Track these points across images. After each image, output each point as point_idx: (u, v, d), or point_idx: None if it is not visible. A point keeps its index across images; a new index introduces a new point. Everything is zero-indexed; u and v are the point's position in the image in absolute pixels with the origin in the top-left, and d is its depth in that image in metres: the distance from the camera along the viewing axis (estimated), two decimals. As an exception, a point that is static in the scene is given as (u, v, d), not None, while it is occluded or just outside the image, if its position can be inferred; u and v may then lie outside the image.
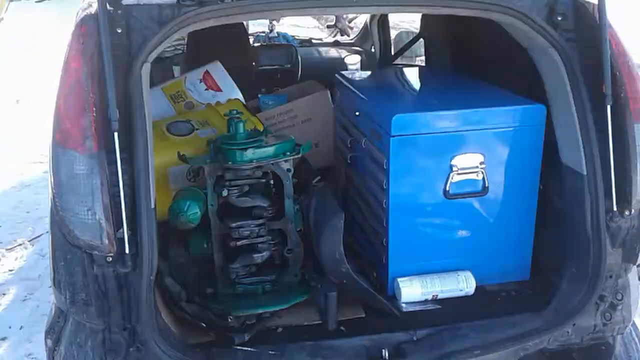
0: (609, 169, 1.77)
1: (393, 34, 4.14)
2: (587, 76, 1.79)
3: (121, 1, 1.58)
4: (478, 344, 1.81)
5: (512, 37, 1.95)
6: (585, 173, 1.81)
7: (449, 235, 2.08)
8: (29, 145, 5.28)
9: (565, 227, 1.94)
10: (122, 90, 1.56)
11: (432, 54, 3.21)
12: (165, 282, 1.92)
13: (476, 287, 2.05)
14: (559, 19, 1.80)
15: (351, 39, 4.77)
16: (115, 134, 1.51)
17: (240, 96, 2.69)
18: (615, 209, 1.79)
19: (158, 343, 1.64)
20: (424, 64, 3.52)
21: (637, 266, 1.90)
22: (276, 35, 4.33)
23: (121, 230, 1.54)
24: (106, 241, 1.55)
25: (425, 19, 3.22)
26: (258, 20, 4.35)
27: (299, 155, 2.06)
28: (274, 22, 4.35)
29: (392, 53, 3.96)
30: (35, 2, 12.35)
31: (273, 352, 1.77)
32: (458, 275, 2.05)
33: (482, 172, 2.01)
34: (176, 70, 3.69)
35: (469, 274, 2.06)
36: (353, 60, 3.97)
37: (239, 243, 2.00)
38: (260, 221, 2.01)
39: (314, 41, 4.70)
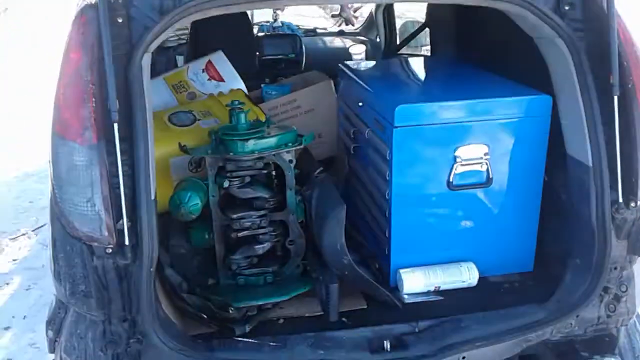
0: (615, 161, 1.74)
1: (398, 23, 4.10)
2: (594, 66, 1.77)
3: None
4: (480, 335, 1.80)
5: (519, 27, 1.92)
6: (591, 164, 1.78)
7: (452, 227, 2.06)
8: (33, 133, 5.29)
9: (570, 218, 1.92)
10: (122, 80, 1.54)
11: (437, 43, 3.18)
12: (166, 273, 1.91)
13: (479, 278, 2.04)
14: (567, 8, 1.76)
15: (356, 29, 4.73)
16: (115, 125, 1.50)
17: (242, 86, 2.68)
18: (621, 200, 1.76)
19: (158, 334, 1.64)
20: (429, 54, 3.49)
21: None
22: (280, 24, 4.30)
23: (121, 221, 1.54)
24: (106, 233, 1.54)
25: (430, 8, 3.19)
26: (262, 10, 4.31)
27: (301, 146, 2.04)
28: (278, 12, 4.31)
29: (398, 43, 3.93)
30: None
31: (274, 344, 1.76)
32: (461, 266, 2.04)
33: (487, 163, 1.99)
34: (180, 60, 3.67)
35: (472, 265, 2.05)
36: (358, 50, 3.92)
37: (240, 234, 1.99)
38: (262, 212, 2.00)
39: (318, 31, 4.66)
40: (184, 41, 3.73)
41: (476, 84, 2.28)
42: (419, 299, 1.99)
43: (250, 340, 1.78)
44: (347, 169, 2.44)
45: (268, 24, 4.32)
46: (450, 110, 1.96)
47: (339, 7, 5.25)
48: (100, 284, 1.59)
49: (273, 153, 1.97)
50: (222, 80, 2.67)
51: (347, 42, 4.15)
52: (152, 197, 1.60)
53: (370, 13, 4.43)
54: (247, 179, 1.99)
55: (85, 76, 1.52)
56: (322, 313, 1.92)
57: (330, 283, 1.85)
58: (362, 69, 2.61)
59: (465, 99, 1.99)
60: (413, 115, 1.95)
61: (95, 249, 1.57)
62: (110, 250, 1.56)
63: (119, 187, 1.53)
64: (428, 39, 3.51)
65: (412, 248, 2.05)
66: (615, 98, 1.72)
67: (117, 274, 1.59)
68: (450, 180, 1.99)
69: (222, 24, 2.82)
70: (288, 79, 3.20)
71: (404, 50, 3.84)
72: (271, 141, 1.97)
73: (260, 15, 4.52)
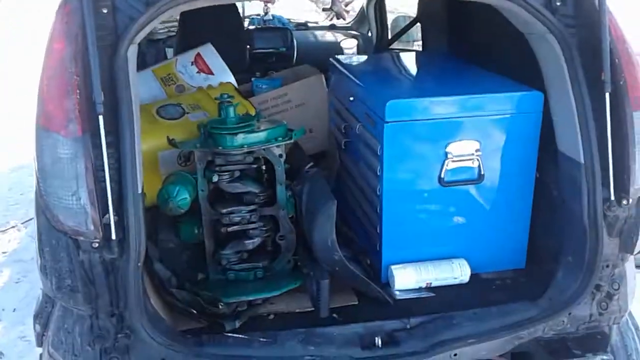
0: (607, 158, 1.74)
1: (390, 18, 4.08)
2: (586, 63, 1.76)
3: None
4: (472, 332, 1.80)
5: (510, 23, 1.91)
6: (582, 161, 1.78)
7: (444, 223, 2.05)
8: (25, 125, 5.22)
9: (561, 215, 1.91)
10: (107, 72, 1.51)
11: (428, 38, 3.17)
12: (155, 268, 1.89)
13: (471, 275, 2.03)
14: (558, 4, 1.75)
15: (348, 23, 4.71)
16: (100, 117, 1.47)
17: (232, 79, 2.65)
18: (612, 198, 1.76)
19: (147, 329, 1.61)
20: (421, 49, 3.48)
21: (637, 254, 1.88)
22: (271, 18, 4.27)
23: (107, 215, 1.51)
24: (91, 227, 1.51)
25: (422, 2, 3.17)
26: (253, 2, 4.28)
27: (291, 141, 2.02)
28: (269, 5, 4.28)
29: (389, 37, 3.91)
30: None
31: (264, 339, 1.75)
32: (453, 263, 2.03)
33: (478, 160, 1.98)
34: (169, 52, 3.64)
35: (463, 261, 2.04)
36: (349, 45, 3.92)
37: (230, 229, 1.97)
38: (252, 207, 1.97)
39: (309, 24, 4.64)
40: (174, 33, 3.69)
41: (467, 79, 2.27)
42: (411, 296, 1.98)
43: (240, 335, 1.76)
44: (338, 164, 2.43)
45: (259, 17, 4.29)
46: (442, 106, 1.95)
47: (330, 0, 5.22)
48: (86, 279, 1.57)
49: (263, 147, 1.95)
50: (211, 73, 2.64)
51: (339, 36, 4.13)
52: (139, 191, 1.57)
53: (362, 7, 4.41)
54: (237, 174, 1.97)
55: (70, 67, 1.49)
56: (312, 309, 1.90)
57: (321, 279, 1.84)
58: (354, 63, 2.60)
59: (456, 94, 1.98)
60: (404, 110, 1.93)
61: (81, 243, 1.54)
62: (97, 245, 1.54)
63: (105, 181, 1.50)
64: (420, 34, 3.50)
65: (404, 244, 2.04)
66: (607, 95, 1.71)
67: (103, 269, 1.57)
68: (442, 176, 1.97)
69: (212, 16, 2.79)
70: (279, 72, 3.18)
71: (395, 45, 3.83)
72: (261, 135, 1.95)
73: (251, 8, 4.48)
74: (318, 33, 4.30)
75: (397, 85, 2.40)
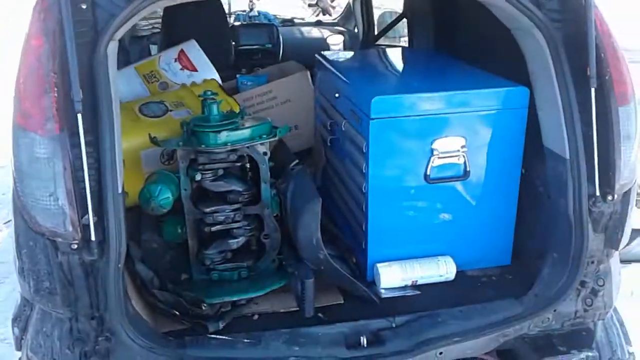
0: (592, 153, 1.73)
1: (377, 14, 4.07)
2: (572, 58, 1.75)
3: None
4: (457, 330, 1.79)
5: (496, 18, 1.89)
6: (568, 157, 1.77)
7: (430, 220, 2.04)
8: (5, 123, 5.15)
9: (547, 211, 1.91)
10: (86, 69, 1.48)
11: (414, 34, 3.15)
12: (137, 268, 1.86)
13: (457, 272, 2.02)
14: None
15: (334, 19, 4.69)
16: (79, 116, 1.44)
17: (216, 76, 2.62)
18: (598, 193, 1.75)
19: (128, 332, 1.59)
20: (407, 45, 3.46)
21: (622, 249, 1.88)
22: (257, 14, 4.23)
23: (86, 216, 1.48)
24: (70, 228, 1.48)
25: (408, -2, 3.16)
26: (238, -1, 4.25)
27: (276, 138, 2.00)
28: (254, 1, 4.25)
29: (376, 33, 3.89)
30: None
31: (248, 340, 1.73)
32: (438, 260, 2.02)
33: (464, 156, 1.97)
34: (154, 49, 3.60)
35: (449, 259, 2.03)
36: (336, 41, 3.89)
37: (213, 228, 1.94)
38: (236, 206, 1.95)
39: (295, 21, 4.61)
40: (158, 30, 3.65)
41: (453, 75, 2.26)
42: (396, 294, 1.97)
43: (223, 337, 1.74)
44: (323, 161, 2.40)
45: (244, 13, 4.26)
46: (427, 102, 1.94)
47: (316, -4, 5.20)
48: (65, 281, 1.54)
49: (247, 145, 1.92)
50: (195, 70, 2.61)
51: (325, 33, 4.11)
52: (120, 191, 1.54)
53: (348, 3, 4.39)
54: (220, 172, 1.95)
55: (47, 64, 1.46)
56: (297, 309, 1.89)
57: (306, 278, 1.82)
58: (340, 59, 2.57)
59: (442, 90, 1.96)
60: (389, 106, 1.91)
61: (59, 245, 1.51)
62: (76, 246, 1.50)
63: (84, 181, 1.47)
64: (406, 30, 3.48)
65: (389, 242, 2.02)
66: (593, 90, 1.70)
67: (83, 270, 1.54)
68: (428, 173, 1.96)
69: (197, 13, 2.76)
70: (264, 69, 3.15)
71: (382, 41, 3.81)
72: (245, 133, 1.92)
73: (236, 4, 4.45)
74: (304, 29, 4.28)
75: (383, 82, 2.38)
